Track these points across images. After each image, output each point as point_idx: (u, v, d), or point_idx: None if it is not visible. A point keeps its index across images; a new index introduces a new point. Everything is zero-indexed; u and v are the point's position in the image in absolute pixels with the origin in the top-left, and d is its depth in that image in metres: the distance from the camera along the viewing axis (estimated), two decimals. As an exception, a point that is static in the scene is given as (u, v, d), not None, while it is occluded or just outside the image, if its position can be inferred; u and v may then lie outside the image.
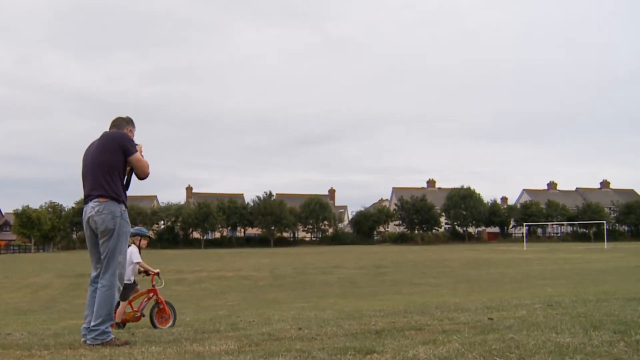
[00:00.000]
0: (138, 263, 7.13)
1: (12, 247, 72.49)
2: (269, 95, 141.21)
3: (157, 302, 7.12)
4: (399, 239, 78.06)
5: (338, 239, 77.75)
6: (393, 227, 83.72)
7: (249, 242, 77.81)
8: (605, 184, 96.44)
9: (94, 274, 4.88)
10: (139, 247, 7.27)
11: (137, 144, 4.93)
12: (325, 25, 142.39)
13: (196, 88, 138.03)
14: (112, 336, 4.73)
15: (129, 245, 6.90)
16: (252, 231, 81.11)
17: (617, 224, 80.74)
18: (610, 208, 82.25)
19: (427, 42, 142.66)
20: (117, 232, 4.72)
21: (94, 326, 4.65)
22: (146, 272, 7.28)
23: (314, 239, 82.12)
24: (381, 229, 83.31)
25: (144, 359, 3.91)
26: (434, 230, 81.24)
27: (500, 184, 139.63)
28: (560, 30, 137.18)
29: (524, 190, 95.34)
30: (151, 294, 7.19)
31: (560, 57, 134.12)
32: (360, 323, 5.60)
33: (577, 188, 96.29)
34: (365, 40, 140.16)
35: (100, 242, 4.76)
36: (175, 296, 16.65)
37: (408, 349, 3.63)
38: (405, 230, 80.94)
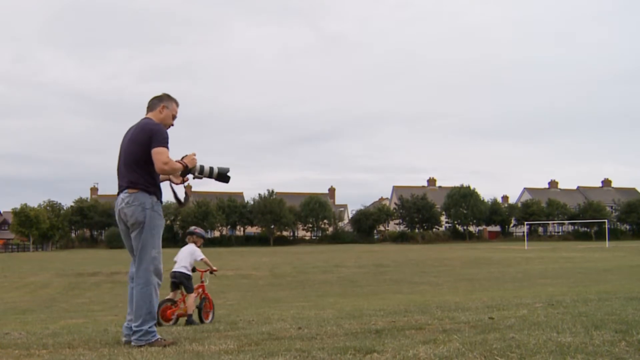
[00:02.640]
0: (203, 259, 7.41)
1: (10, 246, 72.45)
2: (269, 93, 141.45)
3: (204, 297, 7.43)
4: (399, 238, 78.08)
5: (338, 238, 77.79)
6: (393, 226, 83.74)
7: (248, 241, 77.83)
8: (606, 182, 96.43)
9: (132, 269, 4.66)
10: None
11: (188, 155, 4.69)
12: (324, 22, 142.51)
13: (194, 86, 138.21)
14: (158, 336, 4.52)
15: (187, 243, 7.50)
16: (252, 230, 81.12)
17: (618, 223, 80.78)
18: (611, 207, 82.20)
19: (427, 40, 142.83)
20: (148, 224, 4.48)
21: (136, 327, 4.43)
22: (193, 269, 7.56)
23: (314, 237, 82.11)
24: (381, 227, 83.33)
25: (143, 358, 3.89)
26: (434, 229, 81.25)
27: (501, 182, 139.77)
28: (561, 27, 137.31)
29: (525, 189, 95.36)
30: (200, 290, 7.48)
31: (560, 54, 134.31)
32: (361, 322, 5.58)
33: (578, 187, 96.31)
34: (364, 38, 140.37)
35: (132, 235, 4.54)
36: (175, 295, 16.63)
37: (408, 349, 3.61)
38: (406, 229, 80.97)
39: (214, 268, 7.74)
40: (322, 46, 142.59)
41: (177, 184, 4.79)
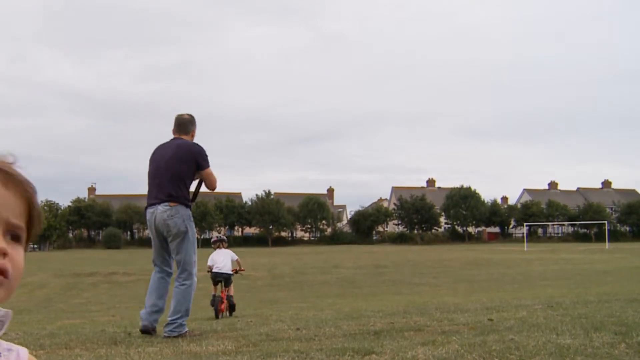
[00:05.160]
0: (238, 260, 9.38)
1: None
2: (268, 93, 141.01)
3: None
4: (398, 239, 78.01)
5: (337, 239, 77.70)
6: (392, 227, 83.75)
7: (246, 241, 77.75)
8: (606, 183, 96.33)
9: (157, 266, 5.25)
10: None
11: None
12: (323, 22, 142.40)
13: (193, 86, 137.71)
14: (187, 329, 5.06)
15: (216, 250, 9.26)
16: (250, 230, 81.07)
17: (618, 224, 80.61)
18: (611, 208, 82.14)
19: (426, 40, 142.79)
20: (189, 233, 5.05)
21: (172, 320, 4.95)
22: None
23: (313, 238, 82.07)
24: (380, 228, 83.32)
25: (140, 359, 3.87)
26: (433, 230, 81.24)
27: (500, 183, 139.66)
28: (561, 27, 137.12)
29: (524, 190, 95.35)
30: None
31: (560, 54, 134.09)
32: (359, 323, 5.56)
33: (578, 188, 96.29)
34: (363, 38, 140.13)
35: (175, 243, 5.04)
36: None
37: (407, 350, 3.59)
38: (405, 230, 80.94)
39: (242, 268, 9.55)
40: (322, 46, 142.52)
41: None
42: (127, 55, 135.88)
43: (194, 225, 5.15)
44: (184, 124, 5.30)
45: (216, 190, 5.33)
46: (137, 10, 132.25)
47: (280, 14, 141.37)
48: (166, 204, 4.98)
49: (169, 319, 4.97)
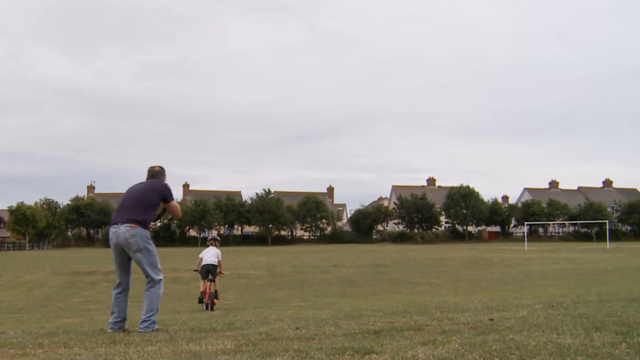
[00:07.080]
0: (220, 260, 11.45)
1: (6, 245, 72.21)
2: (266, 91, 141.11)
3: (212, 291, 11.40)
4: (399, 238, 78.06)
5: (337, 238, 77.71)
6: (392, 226, 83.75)
7: (246, 240, 77.76)
8: (607, 183, 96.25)
9: (118, 281, 6.10)
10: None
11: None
12: (320, 20, 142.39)
13: (190, 84, 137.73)
14: (158, 326, 5.84)
15: (209, 246, 11.74)
16: (250, 229, 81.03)
17: (619, 224, 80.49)
18: (612, 207, 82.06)
19: (426, 38, 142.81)
20: (148, 248, 5.93)
21: (146, 317, 5.76)
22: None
23: (312, 237, 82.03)
24: (380, 227, 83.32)
25: (139, 358, 3.87)
26: (433, 229, 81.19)
27: (501, 182, 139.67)
28: (561, 26, 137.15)
29: (525, 189, 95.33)
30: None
31: (560, 53, 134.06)
32: (359, 323, 5.56)
33: (579, 187, 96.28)
34: (363, 36, 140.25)
35: (138, 257, 5.91)
36: (172, 294, 16.61)
37: (407, 350, 3.58)
38: (405, 229, 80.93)
39: (221, 271, 11.56)
40: (320, 44, 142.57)
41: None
42: (125, 53, 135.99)
43: (152, 243, 6.00)
44: (155, 175, 6.29)
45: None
46: (134, 8, 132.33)
47: (277, 12, 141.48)
48: (127, 225, 5.85)
49: (144, 317, 5.78)
